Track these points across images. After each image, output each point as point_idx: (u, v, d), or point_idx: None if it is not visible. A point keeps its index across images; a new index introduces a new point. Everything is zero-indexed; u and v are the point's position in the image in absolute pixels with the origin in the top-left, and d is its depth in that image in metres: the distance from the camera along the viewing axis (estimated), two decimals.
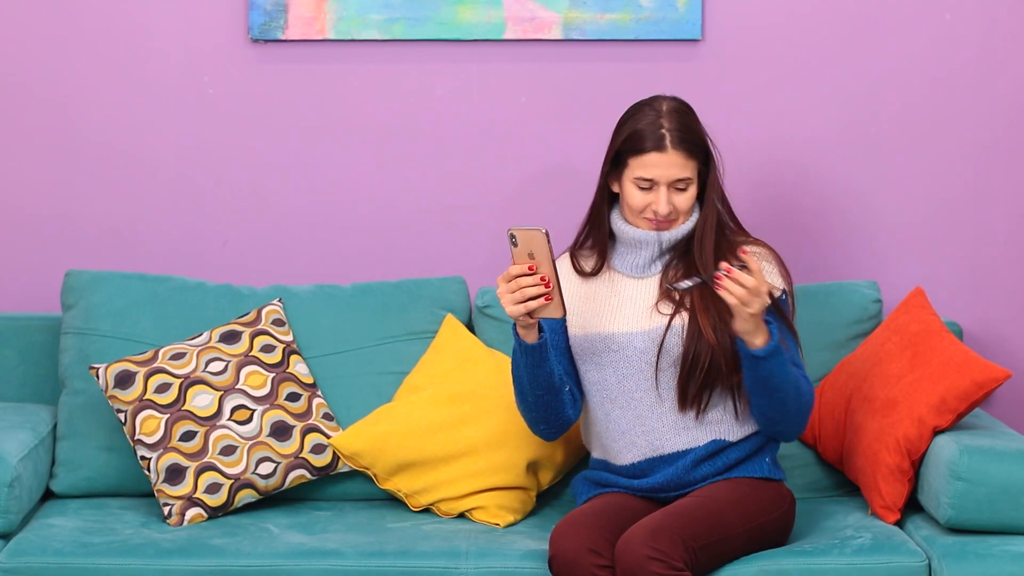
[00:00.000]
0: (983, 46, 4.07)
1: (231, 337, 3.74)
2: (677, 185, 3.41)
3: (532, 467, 3.67)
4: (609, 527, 3.28)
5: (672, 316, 3.42)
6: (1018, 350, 4.12)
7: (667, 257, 3.48)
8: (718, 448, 3.42)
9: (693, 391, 3.40)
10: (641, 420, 3.42)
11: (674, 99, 3.46)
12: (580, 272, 3.53)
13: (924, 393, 3.52)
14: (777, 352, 3.29)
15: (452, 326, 3.83)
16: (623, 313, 3.44)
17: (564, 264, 3.55)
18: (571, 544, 3.22)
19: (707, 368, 3.37)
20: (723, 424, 3.43)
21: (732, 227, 3.50)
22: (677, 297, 3.43)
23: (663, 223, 3.44)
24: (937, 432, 3.51)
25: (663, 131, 3.39)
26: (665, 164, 3.38)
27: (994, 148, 4.10)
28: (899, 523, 3.56)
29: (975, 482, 3.35)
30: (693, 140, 3.41)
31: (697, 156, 3.43)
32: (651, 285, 3.47)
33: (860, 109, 4.09)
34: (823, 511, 3.63)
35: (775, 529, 3.39)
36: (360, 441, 3.66)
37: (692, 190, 3.43)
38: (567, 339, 3.49)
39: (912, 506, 3.60)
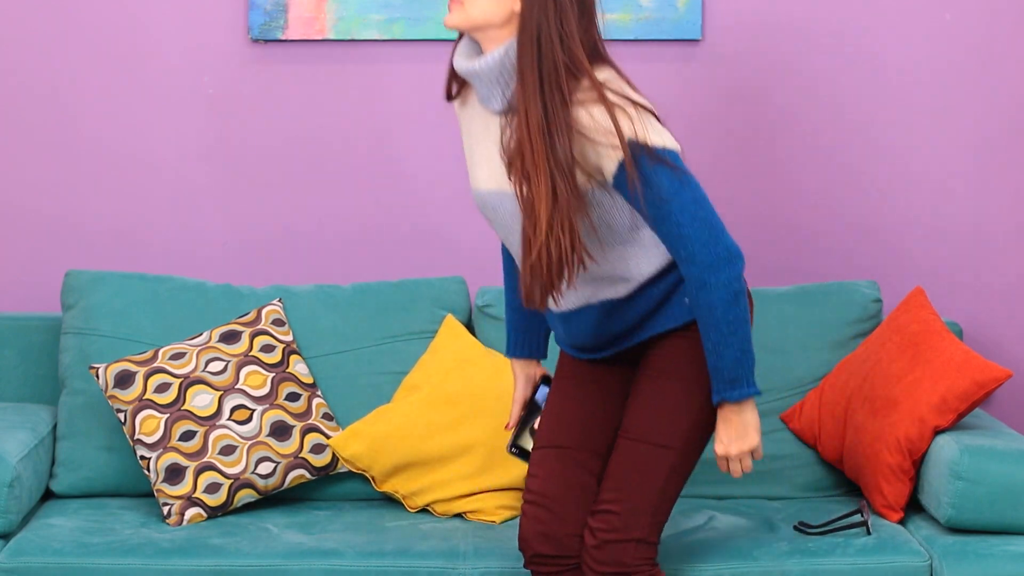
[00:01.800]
0: (983, 45, 4.07)
1: (231, 337, 3.74)
2: None
3: None
4: (569, 507, 3.15)
5: (518, 187, 2.97)
6: (1018, 350, 4.12)
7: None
8: (612, 307, 3.08)
9: (544, 287, 2.97)
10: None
11: None
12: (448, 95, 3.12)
13: (925, 393, 3.52)
14: (745, 384, 3.02)
15: (451, 326, 3.83)
16: (487, 166, 3.04)
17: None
18: (526, 534, 3.15)
19: (553, 263, 2.94)
20: (606, 285, 3.07)
21: (576, 64, 2.92)
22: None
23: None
24: (938, 432, 3.51)
25: None
26: None
27: (994, 148, 4.10)
28: (899, 523, 3.55)
29: (975, 482, 3.35)
30: None
31: None
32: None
33: (859, 109, 4.09)
34: (823, 511, 3.63)
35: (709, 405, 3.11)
36: (358, 443, 3.66)
37: None
38: None
39: (912, 506, 3.60)
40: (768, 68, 4.08)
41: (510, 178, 2.96)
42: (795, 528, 3.48)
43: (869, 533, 3.42)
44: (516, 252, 3.08)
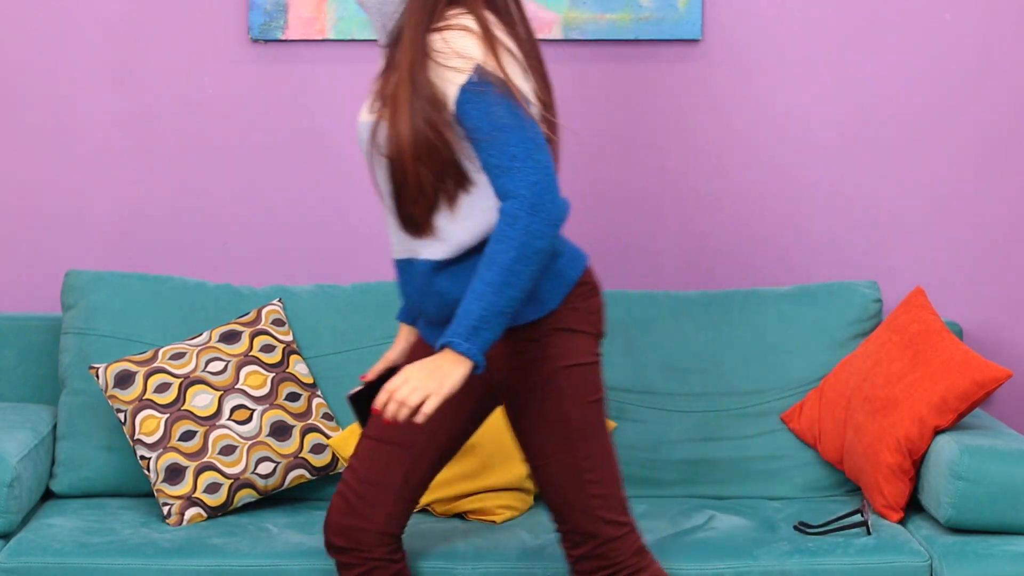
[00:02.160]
0: (983, 46, 4.07)
1: (231, 337, 3.75)
2: None
3: None
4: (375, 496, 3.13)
5: (378, 116, 2.94)
6: (1018, 350, 4.11)
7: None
8: (433, 271, 2.97)
9: (407, 211, 2.93)
10: (387, 217, 3.05)
11: None
12: None
13: (925, 393, 3.52)
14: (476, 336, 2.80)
15: None
16: (369, 99, 3.03)
17: None
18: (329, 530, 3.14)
19: (412, 185, 2.90)
20: (425, 240, 2.97)
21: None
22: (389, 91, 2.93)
23: None
24: (938, 432, 3.51)
25: None
26: None
27: (994, 147, 4.10)
28: (899, 523, 3.55)
29: (975, 482, 3.35)
30: None
31: None
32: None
33: (860, 109, 4.09)
34: (823, 511, 3.63)
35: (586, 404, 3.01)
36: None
37: None
38: None
39: (912, 506, 3.60)
40: (768, 68, 4.08)
41: (371, 108, 2.95)
42: (795, 528, 3.48)
43: (869, 533, 3.43)
44: (383, 185, 2.98)
